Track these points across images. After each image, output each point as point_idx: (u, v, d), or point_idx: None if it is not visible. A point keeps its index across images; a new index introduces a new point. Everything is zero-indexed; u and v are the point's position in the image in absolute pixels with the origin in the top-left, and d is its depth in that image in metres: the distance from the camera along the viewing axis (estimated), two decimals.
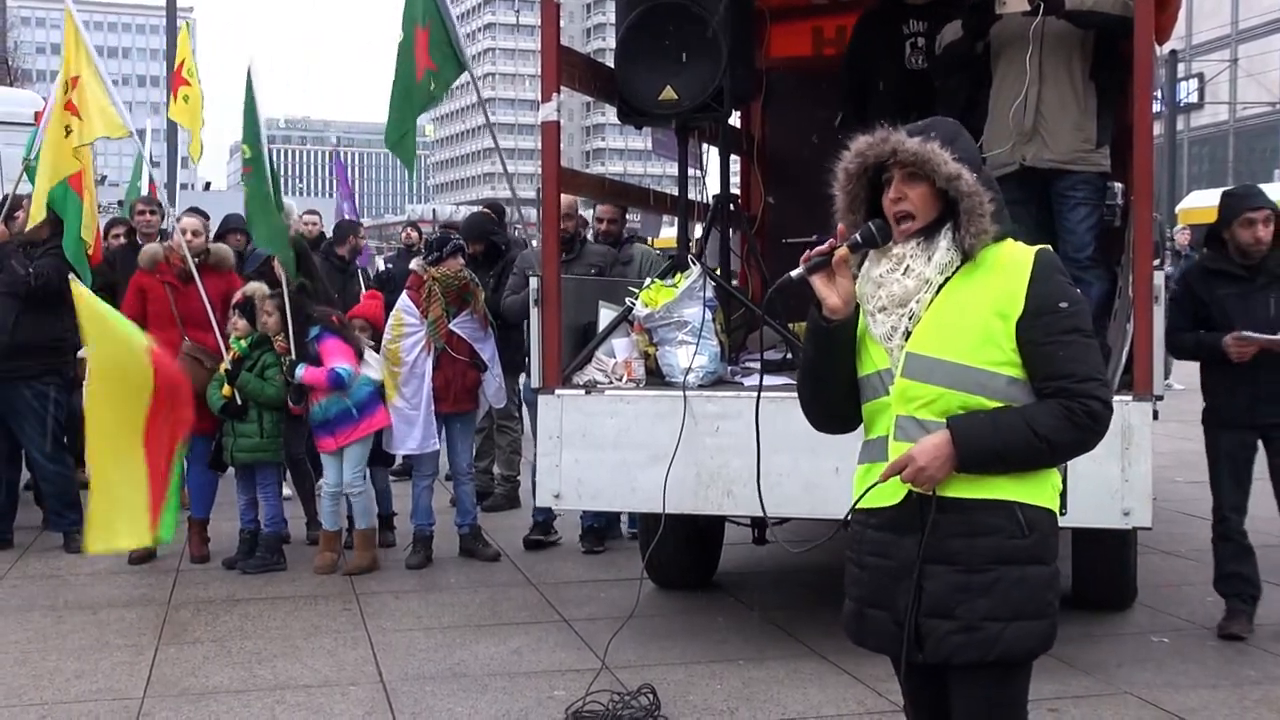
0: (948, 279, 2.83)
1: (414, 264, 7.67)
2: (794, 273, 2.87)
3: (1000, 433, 2.74)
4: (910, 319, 2.82)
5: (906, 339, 2.82)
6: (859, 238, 2.85)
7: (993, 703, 2.86)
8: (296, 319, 7.18)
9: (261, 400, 7.10)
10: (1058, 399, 2.74)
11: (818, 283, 2.85)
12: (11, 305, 7.54)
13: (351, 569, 7.11)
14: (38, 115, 10.91)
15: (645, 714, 4.80)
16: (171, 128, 16.25)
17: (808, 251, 2.87)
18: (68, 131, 7.48)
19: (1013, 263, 2.81)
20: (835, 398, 2.98)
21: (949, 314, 2.80)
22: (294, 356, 7.12)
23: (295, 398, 7.08)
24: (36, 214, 7.56)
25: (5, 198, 8.05)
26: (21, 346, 7.56)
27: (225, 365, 7.19)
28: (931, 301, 2.82)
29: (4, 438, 7.81)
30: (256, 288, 7.29)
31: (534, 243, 8.44)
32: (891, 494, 2.85)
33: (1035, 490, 2.83)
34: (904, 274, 2.82)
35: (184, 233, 7.48)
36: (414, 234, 13.09)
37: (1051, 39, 5.83)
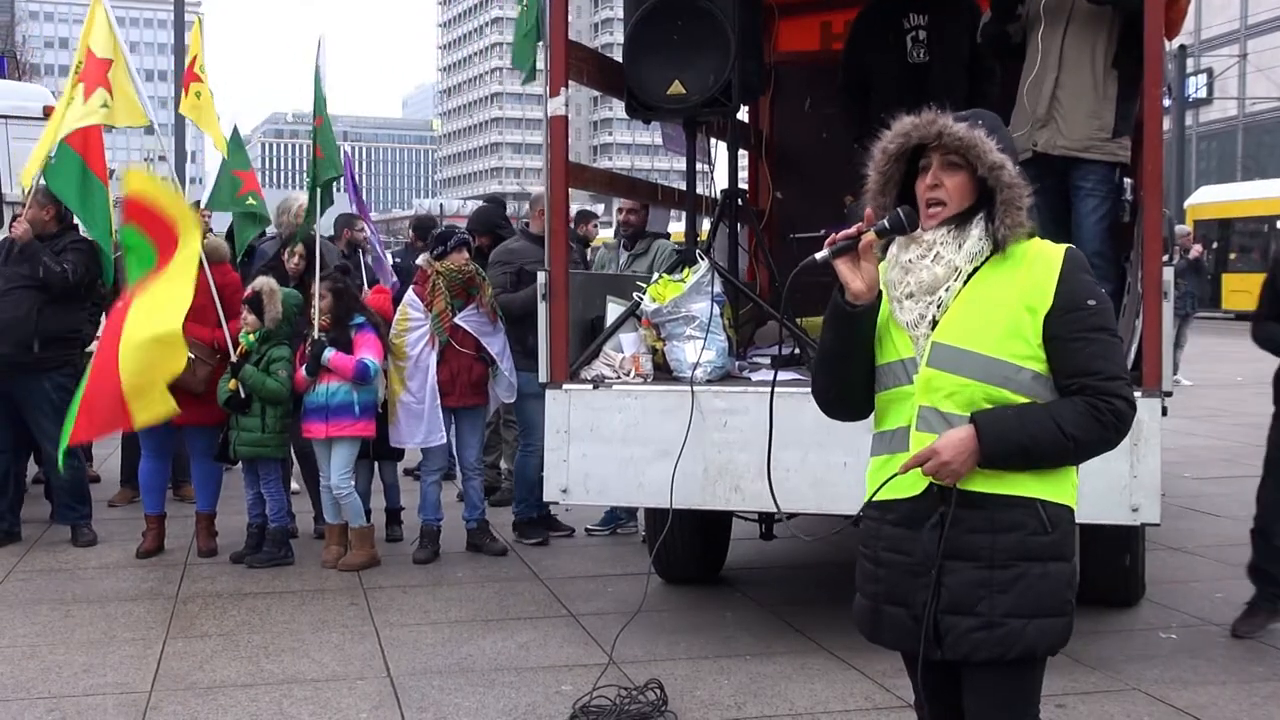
0: (976, 269, 2.80)
1: (420, 259, 7.67)
2: (819, 255, 2.81)
3: (1026, 428, 2.70)
4: (938, 307, 2.79)
5: (933, 328, 2.79)
6: (886, 224, 2.80)
7: (1008, 699, 2.84)
8: (339, 306, 7.19)
9: (263, 395, 7.09)
10: (1083, 396, 2.72)
11: (842, 267, 2.79)
12: (36, 298, 7.53)
13: (345, 565, 7.11)
14: (47, 110, 10.86)
15: (652, 709, 4.80)
16: (179, 123, 16.26)
17: (833, 235, 2.81)
18: (104, 105, 7.46)
19: (1042, 258, 2.79)
20: (851, 384, 2.93)
21: (977, 305, 2.77)
22: (324, 338, 7.08)
23: (311, 369, 7.07)
24: (32, 168, 7.55)
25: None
26: (43, 339, 7.56)
27: (234, 358, 7.19)
28: (960, 291, 2.79)
29: (12, 429, 7.81)
30: (265, 283, 7.29)
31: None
32: (910, 486, 2.81)
33: (1057, 487, 2.80)
34: (933, 261, 2.79)
35: None
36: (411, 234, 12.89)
37: (1074, 22, 5.73)
